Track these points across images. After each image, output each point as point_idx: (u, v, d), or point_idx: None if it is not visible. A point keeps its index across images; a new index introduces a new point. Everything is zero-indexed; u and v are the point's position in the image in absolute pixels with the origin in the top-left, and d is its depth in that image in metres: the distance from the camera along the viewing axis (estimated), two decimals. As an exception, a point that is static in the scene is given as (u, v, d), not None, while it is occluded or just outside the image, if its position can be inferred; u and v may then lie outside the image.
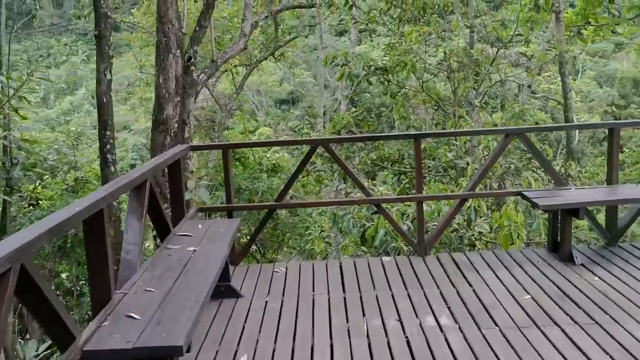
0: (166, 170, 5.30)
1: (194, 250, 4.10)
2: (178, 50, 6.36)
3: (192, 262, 3.89)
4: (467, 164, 8.14)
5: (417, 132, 5.79)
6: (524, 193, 5.41)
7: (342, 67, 8.87)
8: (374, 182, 6.96)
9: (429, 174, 9.01)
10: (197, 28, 6.97)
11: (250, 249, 11.28)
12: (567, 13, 14.48)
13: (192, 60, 6.62)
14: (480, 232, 7.15)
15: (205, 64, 8.05)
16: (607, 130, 5.63)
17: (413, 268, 5.25)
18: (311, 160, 9.57)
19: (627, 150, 15.29)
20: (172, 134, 6.28)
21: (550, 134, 16.13)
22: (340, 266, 5.42)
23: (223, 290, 4.68)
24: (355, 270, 5.30)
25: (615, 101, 44.76)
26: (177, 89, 6.24)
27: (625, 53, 43.15)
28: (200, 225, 4.74)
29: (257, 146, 10.79)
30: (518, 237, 7.18)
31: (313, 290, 4.85)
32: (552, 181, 6.68)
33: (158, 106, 6.32)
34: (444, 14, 10.04)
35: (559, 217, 5.25)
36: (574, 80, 44.17)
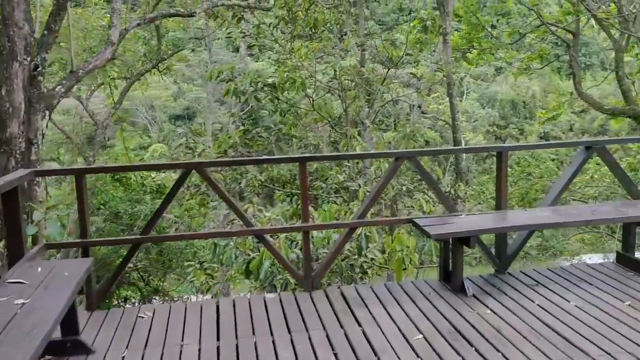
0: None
1: (23, 304, 3.30)
2: (27, 58, 5.43)
3: (17, 319, 3.10)
4: (359, 186, 7.83)
5: (301, 155, 5.34)
6: (415, 221, 5.10)
7: (227, 82, 8.28)
8: (260, 207, 6.39)
9: (320, 196, 8.61)
10: (45, 32, 6.02)
11: (127, 282, 10.25)
12: (453, 36, 14.96)
13: (40, 69, 5.69)
14: (372, 259, 6.81)
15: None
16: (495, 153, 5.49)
17: (299, 306, 4.73)
18: (195, 183, 8.86)
19: (509, 170, 15.96)
20: (17, 156, 5.32)
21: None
22: (218, 307, 4.78)
23: (69, 346, 3.88)
24: (234, 310, 4.68)
25: (496, 121, 47.91)
26: (24, 102, 5.31)
27: (504, 77, 46.40)
28: (40, 268, 3.90)
29: (117, 171, 9.56)
30: (410, 262, 6.93)
31: (182, 340, 4.17)
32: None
33: (0, 123, 5.33)
34: (335, 32, 9.79)
35: (450, 245, 4.99)
36: (460, 101, 46.69)
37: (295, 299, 4.88)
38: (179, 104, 42.46)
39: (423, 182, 8.58)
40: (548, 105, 25.56)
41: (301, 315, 4.57)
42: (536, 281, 5.13)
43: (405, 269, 6.92)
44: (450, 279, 5.01)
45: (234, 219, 6.76)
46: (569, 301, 4.66)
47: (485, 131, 46.42)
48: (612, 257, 5.84)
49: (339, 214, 6.92)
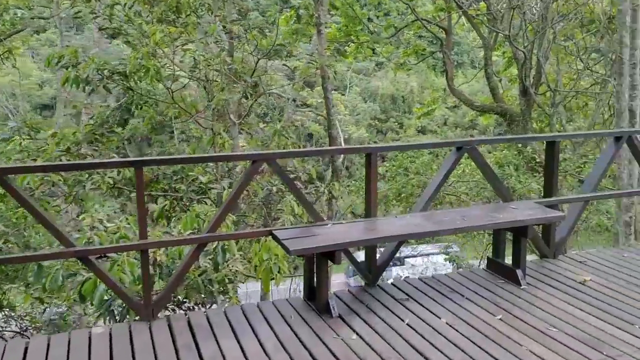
0: None
1: None
2: None
3: None
4: (224, 188, 7.06)
5: (136, 159, 4.44)
6: (275, 233, 4.45)
7: (68, 69, 7.09)
8: (94, 215, 5.38)
9: (180, 201, 7.69)
10: None
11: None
12: (330, 28, 14.59)
13: None
14: (236, 271, 6.09)
15: None
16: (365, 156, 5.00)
17: (132, 343, 3.89)
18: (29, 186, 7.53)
19: (387, 164, 15.97)
20: None
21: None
22: (26, 349, 3.80)
23: None
24: (47, 353, 3.74)
25: (377, 115, 49.23)
26: None
27: (385, 72, 47.71)
28: None
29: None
30: (279, 272, 6.31)
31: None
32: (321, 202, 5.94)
33: None
34: (199, 16, 8.87)
35: (315, 260, 4.41)
36: (343, 95, 47.24)
37: (130, 332, 4.04)
38: (45, 92, 38.77)
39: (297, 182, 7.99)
40: (425, 100, 26.32)
41: (133, 354, 3.74)
42: (407, 295, 4.70)
43: (273, 278, 6.31)
44: (315, 298, 4.44)
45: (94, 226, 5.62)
46: (439, 317, 4.27)
47: (368, 124, 47.50)
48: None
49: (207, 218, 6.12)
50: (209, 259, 5.43)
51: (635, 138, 5.77)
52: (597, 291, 4.73)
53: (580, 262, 5.46)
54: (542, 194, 5.85)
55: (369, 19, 14.07)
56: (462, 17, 13.44)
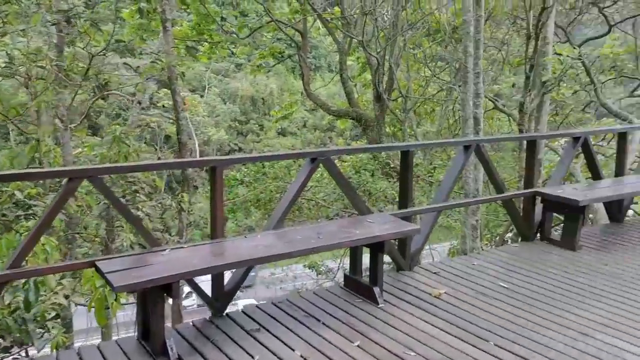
0: None
1: None
2: None
3: None
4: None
5: None
6: (98, 265, 3.71)
7: None
8: None
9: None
10: None
11: None
12: (181, 26, 13.71)
13: None
14: (59, 304, 5.18)
15: None
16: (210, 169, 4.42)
17: None
18: None
19: (245, 169, 15.43)
20: None
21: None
22: None
23: None
24: None
25: (238, 117, 48.52)
26: None
27: (244, 73, 47.09)
28: None
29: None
30: (116, 300, 5.53)
31: None
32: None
33: None
34: (22, 4, 7.62)
35: (148, 295, 3.75)
36: (202, 96, 45.89)
37: None
38: None
39: (139, 194, 7.16)
40: (283, 103, 26.20)
41: None
42: (259, 324, 4.23)
43: (108, 307, 5.49)
44: (149, 338, 3.78)
45: None
46: (293, 349, 3.84)
47: (228, 126, 46.58)
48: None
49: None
50: (18, 295, 4.50)
51: (483, 146, 5.86)
52: (452, 305, 4.64)
53: (434, 273, 5.39)
54: (397, 200, 5.74)
55: (223, 18, 13.43)
56: (318, 20, 13.37)
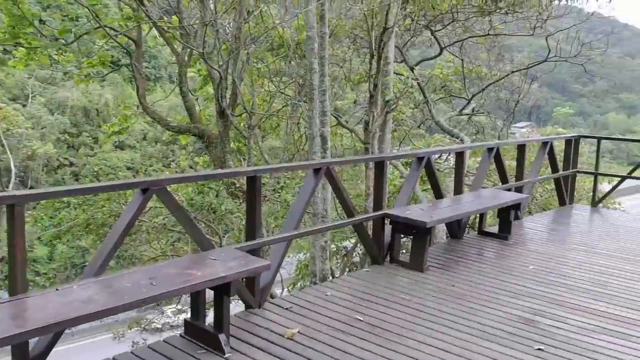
0: None
1: None
2: None
3: None
4: None
5: None
6: None
7: None
8: None
9: None
10: None
11: None
12: (-7, 28, 11.86)
13: None
14: None
15: None
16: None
17: None
18: None
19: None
20: None
21: None
22: None
23: None
24: None
25: (68, 129, 44.35)
26: None
27: (74, 82, 43.30)
28: None
29: None
30: None
31: None
32: None
33: None
34: None
35: None
36: (24, 105, 41.17)
37: None
38: None
39: None
40: (118, 116, 24.33)
41: None
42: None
43: None
44: None
45: None
46: None
47: (56, 139, 42.32)
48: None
49: None
50: None
51: (333, 169, 5.60)
52: (306, 346, 4.23)
53: (286, 309, 4.95)
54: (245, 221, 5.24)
55: (42, 21, 11.87)
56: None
